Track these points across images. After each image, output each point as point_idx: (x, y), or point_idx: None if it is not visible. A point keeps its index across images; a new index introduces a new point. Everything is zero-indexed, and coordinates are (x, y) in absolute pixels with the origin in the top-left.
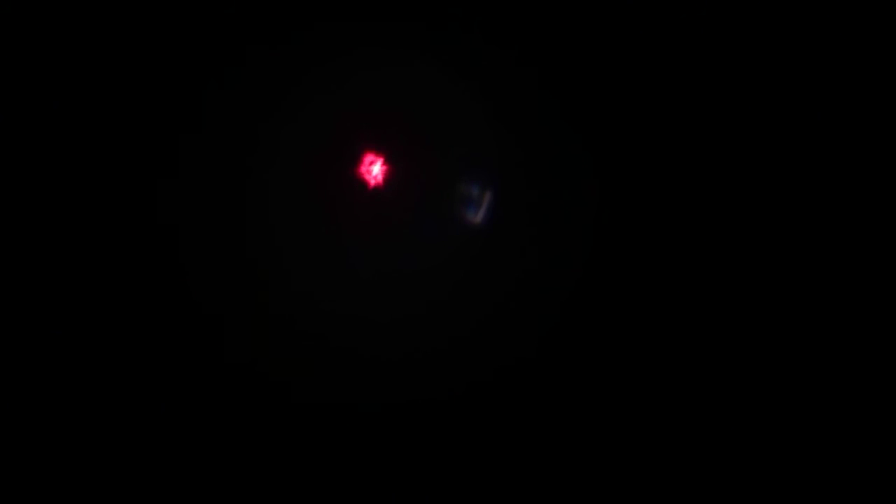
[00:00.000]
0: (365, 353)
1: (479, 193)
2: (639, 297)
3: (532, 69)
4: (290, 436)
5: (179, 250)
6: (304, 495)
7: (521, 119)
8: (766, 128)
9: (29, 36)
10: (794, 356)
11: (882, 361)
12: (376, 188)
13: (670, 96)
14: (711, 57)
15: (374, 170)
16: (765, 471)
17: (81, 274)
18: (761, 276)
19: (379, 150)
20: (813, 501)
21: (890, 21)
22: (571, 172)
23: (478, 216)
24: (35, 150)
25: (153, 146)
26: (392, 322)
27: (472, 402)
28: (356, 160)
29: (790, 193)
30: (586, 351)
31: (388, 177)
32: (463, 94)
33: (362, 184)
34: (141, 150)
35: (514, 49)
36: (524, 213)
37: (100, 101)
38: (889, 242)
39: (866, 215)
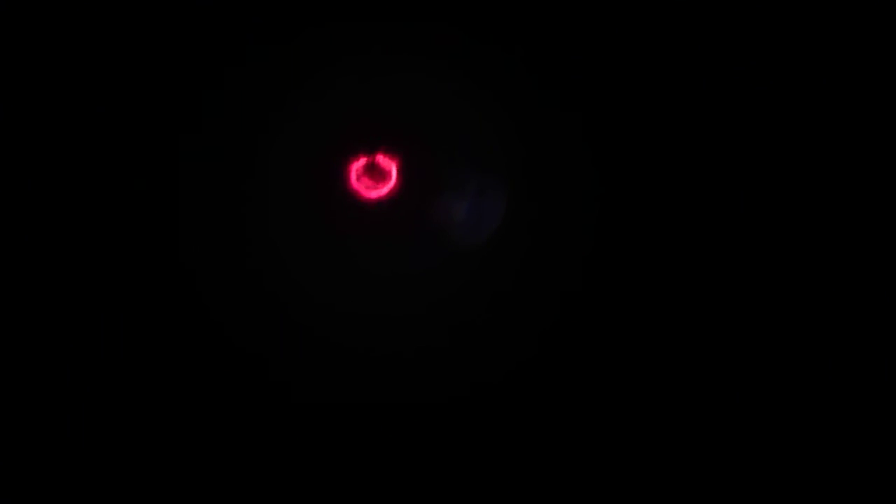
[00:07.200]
0: (364, 353)
1: (480, 195)
2: (642, 301)
3: (535, 71)
4: (290, 435)
5: (179, 250)
6: (304, 495)
7: (523, 121)
8: (771, 129)
9: (28, 35)
10: (795, 358)
11: (882, 361)
12: (376, 190)
13: (675, 98)
14: (717, 59)
15: (375, 172)
16: (765, 471)
17: (79, 275)
18: (767, 282)
19: (379, 152)
20: (813, 501)
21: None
22: (575, 174)
23: (478, 218)
24: (35, 150)
25: (152, 146)
26: (391, 322)
27: (472, 403)
28: (356, 162)
29: (795, 196)
30: (588, 352)
31: (388, 178)
32: (465, 96)
33: (362, 185)
34: (140, 150)
35: (514, 50)
36: (525, 215)
37: (99, 100)
38: (889, 242)
39: (866, 216)
